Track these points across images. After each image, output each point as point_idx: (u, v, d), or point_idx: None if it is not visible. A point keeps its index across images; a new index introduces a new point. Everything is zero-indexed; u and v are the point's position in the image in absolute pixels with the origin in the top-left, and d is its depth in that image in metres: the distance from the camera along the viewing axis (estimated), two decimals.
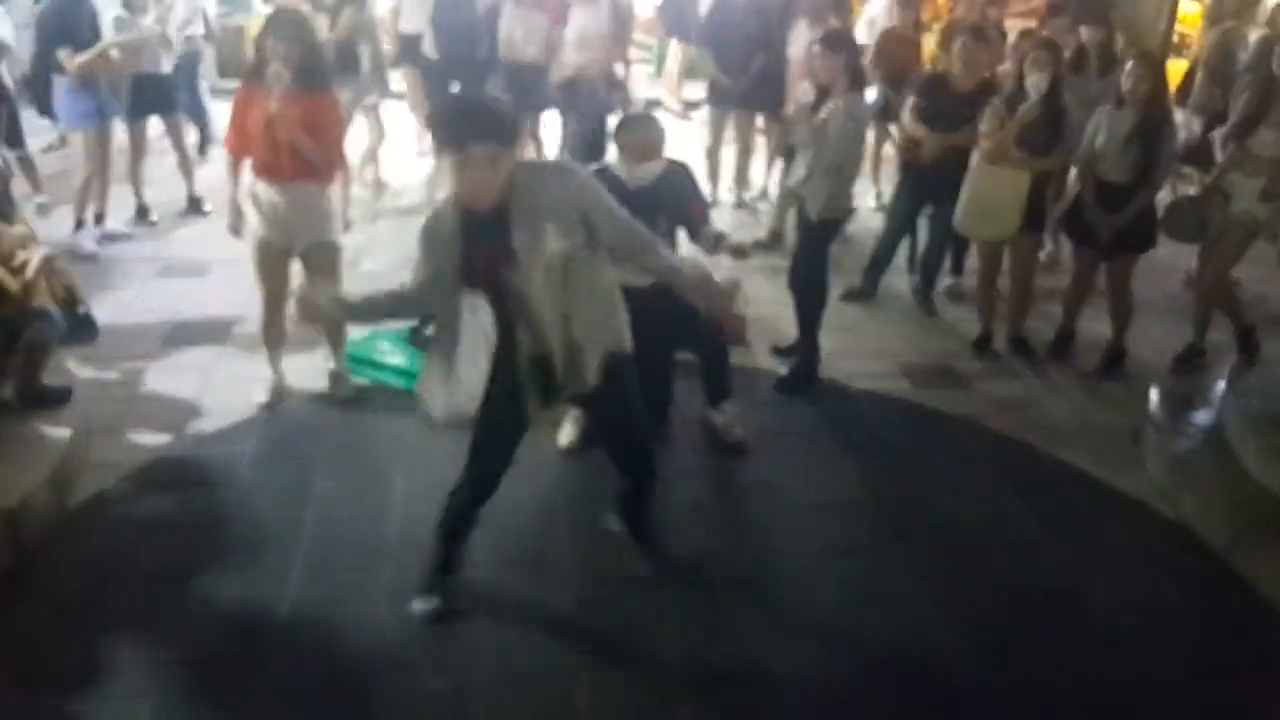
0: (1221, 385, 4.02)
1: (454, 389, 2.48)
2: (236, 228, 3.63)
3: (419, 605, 2.74)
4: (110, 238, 5.25)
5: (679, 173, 3.40)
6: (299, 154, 3.38)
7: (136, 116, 5.46)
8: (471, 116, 2.27)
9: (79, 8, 4.94)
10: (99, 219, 5.24)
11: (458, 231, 2.36)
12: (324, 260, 3.62)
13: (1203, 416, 3.87)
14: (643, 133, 3.27)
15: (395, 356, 4.06)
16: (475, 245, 2.36)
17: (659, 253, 2.51)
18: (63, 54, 4.85)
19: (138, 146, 5.57)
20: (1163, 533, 3.36)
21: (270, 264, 3.57)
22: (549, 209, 2.33)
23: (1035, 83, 4.02)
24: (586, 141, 5.57)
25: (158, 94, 5.48)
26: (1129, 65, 4.08)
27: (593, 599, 2.85)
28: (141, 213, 5.57)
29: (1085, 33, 5.14)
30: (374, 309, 2.65)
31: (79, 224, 5.13)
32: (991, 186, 4.22)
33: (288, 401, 3.79)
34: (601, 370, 2.50)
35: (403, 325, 4.31)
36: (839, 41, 3.85)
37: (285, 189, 3.43)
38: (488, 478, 2.71)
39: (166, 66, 5.50)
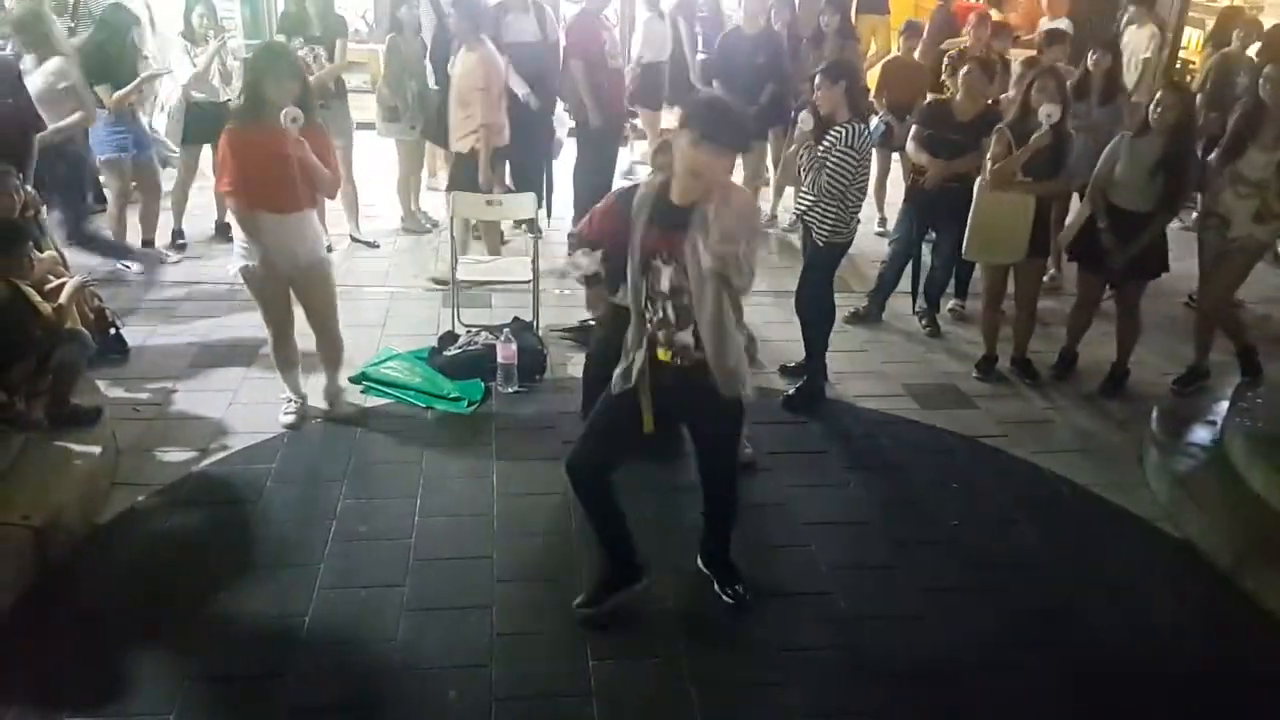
0: (1225, 405, 4.04)
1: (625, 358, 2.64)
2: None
3: (579, 612, 2.84)
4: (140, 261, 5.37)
5: None
6: (303, 184, 3.46)
7: (190, 143, 5.59)
8: (739, 121, 2.50)
9: (120, 45, 5.11)
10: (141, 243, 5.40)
11: (652, 204, 2.51)
12: (321, 274, 3.73)
13: (1206, 436, 3.90)
14: None
15: (414, 376, 4.15)
16: (653, 225, 2.51)
17: (742, 304, 2.63)
18: (101, 90, 5.02)
19: (189, 172, 5.68)
20: (1167, 551, 3.39)
21: (274, 292, 3.66)
22: (725, 224, 2.46)
23: (1049, 112, 4.05)
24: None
25: (214, 122, 5.59)
26: (1158, 94, 4.09)
27: (605, 617, 2.88)
28: (176, 237, 5.67)
29: (1093, 59, 5.24)
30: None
31: (138, 244, 5.34)
32: (998, 213, 4.27)
33: (311, 421, 3.87)
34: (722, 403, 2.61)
35: (421, 346, 4.45)
36: (839, 71, 3.94)
37: (290, 218, 3.52)
38: (585, 464, 2.76)
39: (224, 95, 5.61)
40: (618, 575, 2.87)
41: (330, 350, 3.87)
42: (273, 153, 3.36)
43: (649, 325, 2.61)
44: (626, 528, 2.83)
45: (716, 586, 2.99)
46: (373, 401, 4.06)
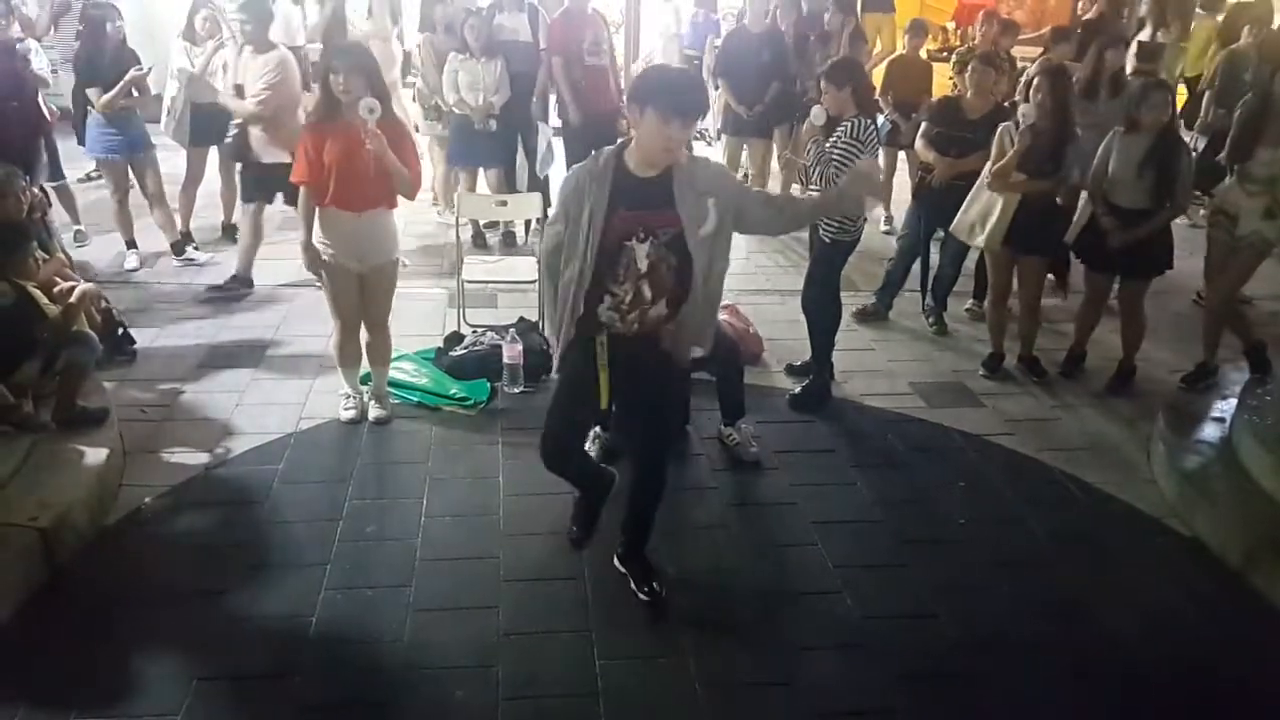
0: (1233, 402, 4.02)
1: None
2: (316, 267, 3.64)
3: (570, 535, 3.09)
4: (147, 264, 5.42)
5: None
6: (377, 182, 3.47)
7: (196, 145, 5.60)
8: (700, 93, 2.53)
9: (100, 47, 5.11)
10: (130, 245, 5.43)
11: (610, 185, 2.48)
12: (387, 276, 3.75)
13: (1215, 433, 3.89)
14: None
15: (421, 377, 4.15)
16: (620, 205, 2.48)
17: (798, 200, 2.72)
18: (92, 92, 5.06)
19: (194, 174, 5.68)
20: (1176, 549, 3.37)
21: (345, 288, 3.67)
22: (707, 187, 2.51)
23: (1024, 112, 4.07)
24: None
25: (220, 124, 5.55)
26: (1148, 95, 4.09)
27: (609, 615, 2.89)
28: (185, 239, 5.65)
29: (1110, 57, 5.21)
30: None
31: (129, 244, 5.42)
32: (987, 202, 4.31)
33: (316, 423, 3.87)
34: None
35: (427, 346, 4.45)
36: (844, 73, 3.92)
37: (363, 216, 3.54)
38: (556, 435, 2.85)
39: None
40: (599, 498, 3.03)
41: (381, 349, 3.89)
42: (347, 150, 3.39)
43: (615, 310, 2.57)
44: (592, 464, 3.08)
45: (633, 585, 2.95)
46: None
